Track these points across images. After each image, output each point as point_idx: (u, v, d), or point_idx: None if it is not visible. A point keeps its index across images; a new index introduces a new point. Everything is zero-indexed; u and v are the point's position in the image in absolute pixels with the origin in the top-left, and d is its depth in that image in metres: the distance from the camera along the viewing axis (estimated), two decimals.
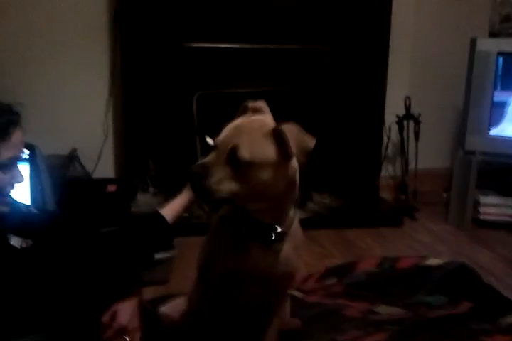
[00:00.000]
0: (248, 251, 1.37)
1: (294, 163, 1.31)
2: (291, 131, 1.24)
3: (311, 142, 1.27)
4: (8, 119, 1.28)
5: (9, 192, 1.35)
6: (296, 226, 1.44)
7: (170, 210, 1.54)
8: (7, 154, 1.28)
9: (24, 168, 2.55)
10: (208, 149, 1.33)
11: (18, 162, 1.35)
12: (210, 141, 1.55)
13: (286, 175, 1.29)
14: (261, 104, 1.36)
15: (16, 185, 1.36)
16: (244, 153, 1.22)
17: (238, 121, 1.32)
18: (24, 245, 1.33)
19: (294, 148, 1.22)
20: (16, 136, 1.29)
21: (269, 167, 1.24)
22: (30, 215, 1.48)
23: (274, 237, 1.36)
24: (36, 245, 1.36)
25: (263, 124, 1.29)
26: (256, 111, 1.35)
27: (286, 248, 1.40)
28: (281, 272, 1.41)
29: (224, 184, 1.22)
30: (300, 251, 1.47)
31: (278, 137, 1.24)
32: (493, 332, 1.86)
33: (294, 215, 1.41)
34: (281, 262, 1.40)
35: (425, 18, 3.54)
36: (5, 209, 1.34)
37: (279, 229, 1.36)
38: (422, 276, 2.20)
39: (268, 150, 1.24)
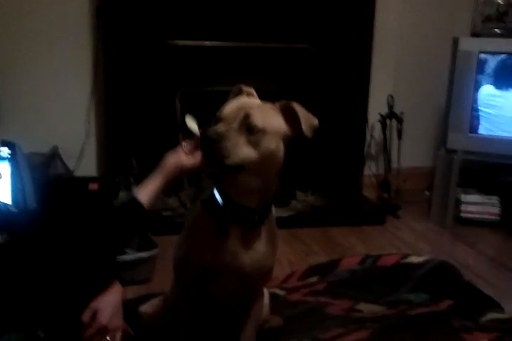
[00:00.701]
0: (228, 236, 1.37)
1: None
2: (298, 107, 1.32)
3: (315, 119, 1.34)
4: None
5: None
6: (272, 220, 1.45)
7: (146, 194, 1.46)
8: None
9: (4, 166, 2.55)
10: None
11: None
12: (191, 124, 1.55)
13: (285, 151, 1.34)
14: (252, 90, 1.42)
15: None
16: (258, 120, 1.27)
17: (239, 99, 1.37)
18: (0, 240, 1.31)
19: (304, 124, 1.30)
20: None
21: (279, 138, 1.31)
22: (9, 214, 1.46)
23: (256, 218, 1.37)
24: (12, 241, 1.33)
25: (265, 103, 1.36)
26: (249, 95, 1.42)
27: (263, 237, 1.41)
28: (257, 263, 1.41)
29: (240, 149, 1.26)
30: (276, 247, 1.47)
31: (287, 112, 1.32)
32: (474, 329, 1.88)
33: (271, 206, 1.43)
34: (258, 252, 1.40)
35: (408, 17, 3.56)
36: None
37: (260, 211, 1.38)
38: (403, 274, 2.21)
39: (279, 122, 1.32)
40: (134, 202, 1.44)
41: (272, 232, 1.44)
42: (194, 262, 1.41)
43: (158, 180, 1.48)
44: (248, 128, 1.26)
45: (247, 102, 1.35)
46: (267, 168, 1.32)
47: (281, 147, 1.32)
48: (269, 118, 1.30)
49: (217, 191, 1.38)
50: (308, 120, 1.32)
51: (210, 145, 1.24)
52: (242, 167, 1.27)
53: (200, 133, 1.31)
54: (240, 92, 1.42)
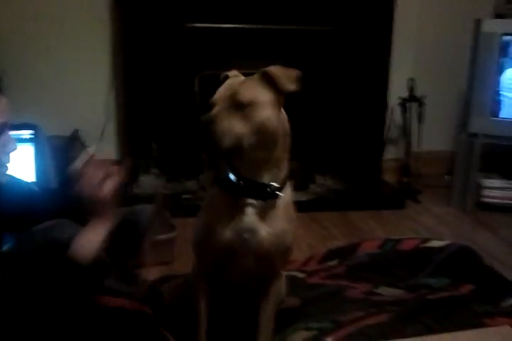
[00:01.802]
0: (244, 212, 1.39)
1: (284, 114, 1.40)
2: (275, 68, 1.35)
3: (295, 71, 1.36)
4: None
5: (5, 162, 1.31)
6: (289, 198, 1.45)
7: (87, 246, 1.33)
8: None
9: (28, 148, 2.58)
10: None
11: (8, 129, 1.31)
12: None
13: (282, 117, 1.38)
14: (236, 72, 1.44)
15: (11, 156, 1.32)
16: (243, 95, 1.31)
17: (228, 81, 1.40)
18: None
19: (283, 81, 1.32)
20: (3, 101, 1.27)
21: (270, 105, 1.33)
22: (32, 192, 1.46)
23: (270, 191, 1.38)
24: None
25: (250, 77, 1.39)
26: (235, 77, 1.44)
27: (280, 214, 1.42)
28: (275, 239, 1.42)
29: (233, 127, 1.29)
30: (294, 225, 1.47)
31: (267, 77, 1.34)
32: (495, 314, 1.87)
33: (288, 180, 1.44)
34: (275, 227, 1.41)
35: None
36: (2, 179, 1.31)
37: (275, 184, 1.39)
38: (424, 258, 2.20)
39: (264, 90, 1.34)
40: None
41: (289, 210, 1.45)
42: (212, 240, 1.42)
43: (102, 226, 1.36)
44: (236, 105, 1.30)
45: (231, 83, 1.38)
46: (267, 139, 1.33)
47: (275, 113, 1.34)
48: (253, 89, 1.33)
49: (229, 168, 1.40)
50: (285, 76, 1.33)
51: (204, 129, 1.28)
52: (240, 146, 1.30)
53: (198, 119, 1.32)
54: (226, 78, 1.44)
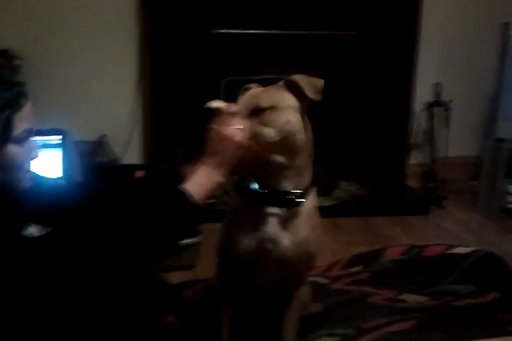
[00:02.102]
0: (266, 221, 1.40)
1: (307, 121, 1.40)
2: (299, 77, 1.37)
3: (319, 81, 1.38)
4: (18, 91, 1.25)
5: (28, 169, 1.30)
6: (313, 206, 1.45)
7: (197, 188, 1.28)
8: (22, 126, 1.24)
9: (56, 153, 2.62)
10: None
11: (32, 136, 1.30)
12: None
13: (305, 123, 1.38)
14: (257, 85, 1.46)
15: (32, 163, 1.31)
16: (264, 101, 1.34)
17: (249, 91, 1.42)
18: (43, 233, 1.27)
19: (307, 89, 1.34)
20: (28, 108, 1.27)
21: (293, 111, 1.36)
22: (57, 187, 1.45)
23: (293, 198, 1.39)
24: (54, 232, 1.29)
25: (272, 85, 1.41)
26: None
27: (304, 222, 1.42)
28: (299, 248, 1.41)
29: (253, 128, 1.32)
30: (318, 232, 1.47)
31: (291, 86, 1.37)
32: None
33: (311, 187, 1.44)
34: (298, 236, 1.41)
35: (456, 2, 3.48)
36: (27, 185, 1.30)
37: (297, 191, 1.39)
38: (449, 264, 2.18)
39: (286, 96, 1.37)
40: (181, 194, 1.27)
41: (312, 218, 1.45)
42: (235, 250, 1.43)
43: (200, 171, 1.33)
44: (257, 111, 1.33)
45: (253, 92, 1.41)
46: (289, 143, 1.35)
47: (298, 120, 1.36)
48: (274, 95, 1.36)
49: (252, 176, 1.41)
50: (311, 85, 1.35)
51: None
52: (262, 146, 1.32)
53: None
54: (247, 90, 1.46)
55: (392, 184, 3.38)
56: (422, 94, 3.40)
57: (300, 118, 1.36)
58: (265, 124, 1.32)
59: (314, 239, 1.45)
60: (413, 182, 3.49)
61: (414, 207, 3.20)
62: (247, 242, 1.40)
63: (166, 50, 3.12)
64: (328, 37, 3.24)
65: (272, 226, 1.40)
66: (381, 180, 3.35)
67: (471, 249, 2.26)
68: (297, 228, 1.41)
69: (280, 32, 3.17)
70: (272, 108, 1.33)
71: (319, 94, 1.35)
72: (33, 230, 1.27)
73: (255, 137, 1.32)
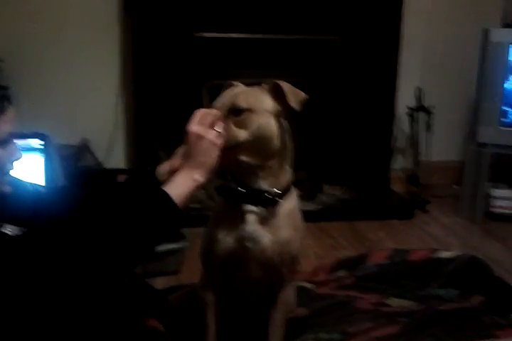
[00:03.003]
0: (246, 220, 1.40)
1: (285, 124, 1.42)
2: (285, 84, 1.37)
3: (303, 93, 1.38)
4: (2, 94, 1.25)
5: (9, 170, 1.30)
6: (294, 206, 1.46)
7: (178, 189, 1.28)
8: (5, 129, 1.25)
9: (37, 157, 2.58)
10: None
11: (14, 138, 1.30)
12: None
13: (282, 129, 1.39)
14: (241, 84, 1.46)
15: (15, 165, 1.31)
16: (242, 102, 1.34)
17: (230, 89, 1.43)
18: (19, 233, 1.26)
19: (290, 97, 1.34)
20: (10, 111, 1.27)
21: (269, 115, 1.36)
22: (36, 193, 1.44)
23: (270, 196, 1.39)
24: (30, 232, 1.27)
25: (256, 86, 1.42)
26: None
27: (284, 222, 1.42)
28: (279, 248, 1.42)
29: (227, 129, 1.32)
30: (300, 234, 1.47)
31: (274, 90, 1.37)
32: (505, 326, 1.84)
33: (290, 185, 1.45)
34: (278, 235, 1.41)
35: (438, 8, 3.51)
36: (6, 188, 1.29)
37: (275, 190, 1.40)
38: (433, 269, 2.18)
39: (265, 100, 1.37)
40: (164, 195, 1.27)
41: (293, 219, 1.45)
42: (216, 249, 1.43)
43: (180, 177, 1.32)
44: (235, 111, 1.33)
45: (234, 90, 1.41)
46: (262, 146, 1.36)
47: (273, 123, 1.36)
48: (255, 98, 1.36)
49: (231, 176, 1.43)
50: (294, 94, 1.36)
51: None
52: (236, 148, 1.33)
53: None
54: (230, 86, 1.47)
55: (377, 188, 3.40)
56: (404, 99, 3.43)
57: (275, 124, 1.37)
58: (239, 126, 1.33)
59: (295, 240, 1.45)
60: (397, 187, 3.51)
61: (398, 211, 3.21)
62: (227, 240, 1.41)
63: (148, 54, 3.10)
64: (310, 42, 3.25)
65: (250, 225, 1.40)
66: (365, 184, 3.36)
67: (455, 253, 2.27)
68: (277, 228, 1.41)
69: (263, 36, 3.18)
70: (249, 110, 1.33)
71: (300, 105, 1.35)
72: (8, 230, 1.25)
73: (225, 137, 1.32)
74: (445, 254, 2.26)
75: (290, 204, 1.44)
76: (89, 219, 1.33)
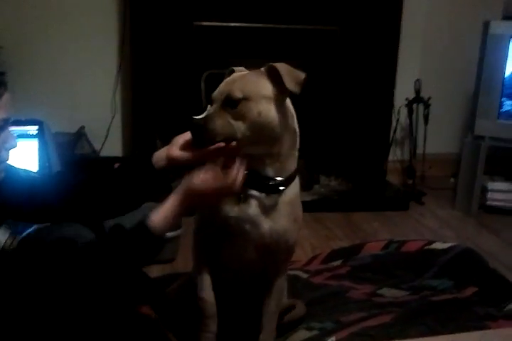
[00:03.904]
0: (248, 203, 1.38)
1: (291, 107, 1.38)
2: (282, 66, 1.31)
3: (302, 74, 1.32)
4: None
5: (5, 158, 1.28)
6: (295, 196, 1.44)
7: (161, 218, 1.30)
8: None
9: (33, 144, 2.58)
10: None
11: (9, 126, 1.28)
12: None
13: (284, 113, 1.34)
14: (243, 68, 1.41)
15: (11, 153, 1.29)
16: (237, 91, 1.28)
17: (230, 76, 1.38)
18: (8, 243, 1.26)
19: (288, 80, 1.28)
20: (5, 97, 1.24)
21: (266, 100, 1.30)
22: (29, 179, 1.42)
23: (274, 183, 1.37)
24: (21, 246, 1.28)
25: (253, 71, 1.36)
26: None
27: (284, 210, 1.41)
28: (277, 234, 1.41)
29: (225, 125, 1.28)
30: (298, 223, 1.46)
31: (271, 73, 1.31)
32: (498, 317, 1.86)
33: (295, 173, 1.42)
34: (277, 222, 1.40)
35: (438, 0, 3.49)
36: (0, 176, 1.28)
37: (279, 178, 1.38)
38: (427, 260, 2.20)
39: (262, 85, 1.32)
40: (143, 227, 1.29)
41: (294, 208, 1.44)
42: (216, 221, 1.41)
43: (175, 201, 1.32)
44: (230, 102, 1.28)
45: (232, 78, 1.35)
46: (264, 134, 1.31)
47: (273, 110, 1.31)
48: (251, 84, 1.31)
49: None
50: (292, 76, 1.30)
51: (197, 129, 1.28)
52: (234, 141, 1.29)
53: (188, 120, 1.32)
54: (232, 73, 1.41)
55: (373, 180, 3.40)
56: (402, 91, 3.41)
57: (275, 109, 1.31)
58: (237, 118, 1.28)
59: (293, 229, 1.45)
60: (393, 178, 3.51)
61: (393, 203, 3.22)
62: (228, 216, 1.39)
63: (147, 42, 3.08)
64: (310, 31, 3.23)
65: (252, 208, 1.39)
66: (361, 175, 3.36)
67: (450, 244, 2.29)
68: (278, 216, 1.41)
69: (262, 25, 3.16)
70: (245, 99, 1.28)
71: (299, 86, 1.30)
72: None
73: (228, 132, 1.28)
74: (439, 245, 2.28)
75: (293, 193, 1.43)
76: (80, 210, 1.35)
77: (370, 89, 3.36)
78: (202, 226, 1.48)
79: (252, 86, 1.31)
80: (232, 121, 1.28)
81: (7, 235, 1.26)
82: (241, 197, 1.38)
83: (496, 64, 3.04)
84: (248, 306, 1.58)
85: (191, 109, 3.11)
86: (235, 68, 1.41)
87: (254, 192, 1.38)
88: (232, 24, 3.12)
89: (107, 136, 3.20)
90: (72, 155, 2.95)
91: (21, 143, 2.49)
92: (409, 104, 3.40)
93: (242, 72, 1.38)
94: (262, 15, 3.14)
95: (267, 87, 1.32)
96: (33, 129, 2.55)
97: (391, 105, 3.43)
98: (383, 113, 3.43)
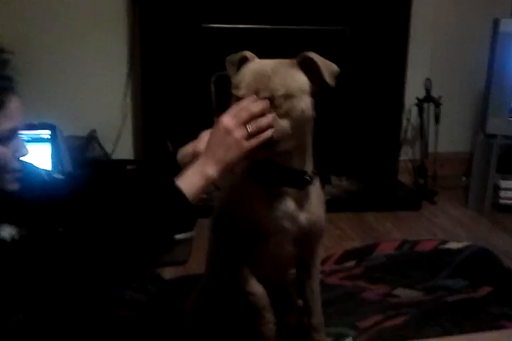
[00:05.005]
0: (282, 199, 1.34)
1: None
2: (317, 57, 1.25)
3: (334, 65, 1.27)
4: (2, 86, 1.15)
5: (15, 168, 1.22)
6: (318, 183, 1.42)
7: (188, 183, 1.20)
8: (6, 125, 1.15)
9: (45, 148, 2.59)
10: None
11: (19, 133, 1.22)
12: None
13: (314, 104, 1.27)
14: (251, 53, 1.34)
15: (22, 159, 1.24)
16: (279, 86, 1.20)
17: (250, 68, 1.28)
18: (16, 237, 1.20)
19: (326, 73, 1.23)
20: (13, 104, 1.17)
21: (306, 95, 1.24)
22: (50, 183, 1.39)
23: (307, 178, 1.34)
24: (30, 235, 1.22)
25: (280, 61, 1.27)
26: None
27: (314, 199, 1.39)
28: (313, 224, 1.40)
29: (277, 126, 1.20)
30: (324, 209, 1.45)
31: (306, 64, 1.24)
32: None
33: (313, 164, 1.39)
34: (312, 212, 1.39)
35: None
36: (13, 186, 1.22)
37: (309, 171, 1.35)
38: (441, 259, 2.19)
39: (300, 79, 1.24)
40: (175, 189, 1.20)
41: (320, 194, 1.43)
42: (247, 221, 1.37)
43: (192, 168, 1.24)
44: (272, 99, 1.21)
45: (261, 71, 1.24)
46: (301, 130, 1.27)
47: (309, 103, 1.25)
48: (289, 79, 1.23)
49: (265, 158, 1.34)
50: (328, 68, 1.24)
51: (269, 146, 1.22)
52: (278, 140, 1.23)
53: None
54: (244, 60, 1.32)
55: (384, 179, 3.38)
56: (412, 90, 3.40)
57: (311, 101, 1.25)
58: (280, 116, 1.20)
59: (324, 216, 1.44)
60: (404, 178, 3.49)
61: (405, 203, 3.20)
62: (261, 217, 1.35)
63: (156, 45, 3.09)
64: (319, 32, 3.22)
65: (288, 205, 1.35)
66: (373, 175, 3.35)
67: (464, 244, 2.27)
68: (310, 206, 1.38)
69: (271, 27, 3.16)
70: (287, 96, 1.20)
71: (335, 79, 1.24)
72: (5, 232, 1.20)
73: (278, 133, 1.21)
74: (454, 245, 2.27)
75: (317, 182, 1.41)
76: (102, 212, 1.29)
77: (380, 88, 3.35)
78: (231, 229, 1.42)
79: (292, 81, 1.23)
80: (279, 120, 1.21)
81: (14, 230, 1.23)
82: (275, 195, 1.34)
83: (507, 61, 3.03)
84: (281, 296, 1.57)
85: (202, 111, 3.14)
86: (245, 54, 1.33)
87: (289, 189, 1.34)
88: (241, 26, 3.12)
89: (118, 139, 3.21)
90: (84, 158, 2.97)
91: (34, 147, 2.53)
92: (420, 104, 3.38)
93: (267, 64, 1.27)
94: (269, 16, 3.14)
95: (304, 81, 1.25)
96: (45, 133, 2.57)
97: (401, 104, 3.41)
98: (394, 112, 3.42)
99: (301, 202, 1.37)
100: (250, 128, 1.19)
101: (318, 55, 1.25)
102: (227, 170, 1.23)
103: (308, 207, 1.38)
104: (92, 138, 3.08)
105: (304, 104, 1.23)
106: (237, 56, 1.33)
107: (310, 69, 1.24)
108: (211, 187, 1.24)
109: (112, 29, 3.17)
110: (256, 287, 1.43)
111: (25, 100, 1.23)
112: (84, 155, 2.99)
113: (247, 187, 1.37)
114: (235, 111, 1.20)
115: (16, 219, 1.24)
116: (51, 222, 1.29)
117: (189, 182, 1.20)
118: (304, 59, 1.25)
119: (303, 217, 1.38)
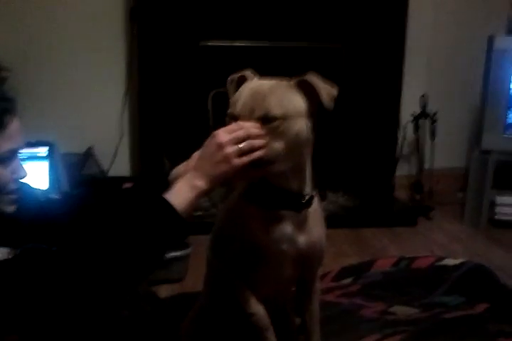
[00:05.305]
0: (280, 222, 1.33)
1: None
2: (315, 79, 1.24)
3: (334, 88, 1.26)
4: (2, 108, 1.14)
5: (13, 189, 1.21)
6: (317, 202, 1.40)
7: (177, 196, 1.19)
8: (5, 146, 1.15)
9: (43, 165, 2.60)
10: None
11: (18, 155, 1.22)
12: None
13: (312, 126, 1.27)
14: (251, 72, 1.34)
15: (20, 181, 1.23)
16: (276, 108, 1.20)
17: (248, 87, 1.28)
18: (7, 256, 1.18)
19: (324, 94, 1.22)
20: (13, 126, 1.15)
21: (303, 117, 1.24)
22: (46, 204, 1.39)
23: (304, 201, 1.33)
24: (23, 255, 1.21)
25: (278, 82, 1.27)
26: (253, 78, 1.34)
27: (314, 219, 1.38)
28: (313, 246, 1.38)
29: (270, 145, 1.20)
30: (325, 228, 1.43)
31: (305, 86, 1.24)
32: (511, 334, 1.84)
33: (312, 185, 1.37)
34: (312, 234, 1.37)
35: (443, 15, 3.51)
36: (9, 209, 1.22)
37: (307, 192, 1.33)
38: (438, 276, 2.19)
39: (297, 101, 1.24)
40: (164, 203, 1.19)
41: (320, 214, 1.42)
42: (245, 243, 1.35)
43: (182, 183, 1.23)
44: (268, 119, 1.20)
45: (258, 90, 1.24)
46: (297, 152, 1.26)
47: (305, 125, 1.24)
48: (287, 100, 1.22)
49: (261, 180, 1.33)
50: (327, 91, 1.23)
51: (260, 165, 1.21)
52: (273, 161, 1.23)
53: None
54: (243, 80, 1.32)
55: (380, 195, 3.39)
56: (408, 106, 3.42)
57: (308, 123, 1.25)
58: (274, 137, 1.20)
59: (323, 236, 1.43)
60: (400, 194, 3.50)
61: (402, 219, 3.21)
62: (260, 239, 1.33)
63: (153, 63, 3.11)
64: (314, 49, 3.25)
65: (287, 228, 1.34)
66: (369, 191, 3.36)
67: (460, 260, 2.27)
68: (309, 227, 1.36)
69: (267, 44, 3.19)
70: (284, 117, 1.19)
71: (333, 103, 1.23)
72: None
73: (272, 154, 1.20)
74: (451, 262, 2.26)
75: (316, 202, 1.40)
76: (95, 233, 1.24)
77: (375, 105, 3.37)
78: (230, 250, 1.41)
79: (289, 102, 1.22)
80: (273, 140, 1.20)
81: (6, 251, 1.22)
82: (272, 218, 1.34)
83: (502, 78, 3.06)
84: (280, 318, 1.56)
85: (199, 129, 3.15)
86: (243, 73, 1.33)
87: (287, 212, 1.33)
88: (237, 43, 3.15)
89: (115, 157, 3.22)
90: (80, 175, 2.97)
91: (32, 164, 2.53)
92: (416, 120, 3.40)
93: (265, 83, 1.27)
94: (266, 33, 3.17)
95: (301, 103, 1.25)
96: (42, 151, 2.58)
97: (397, 121, 3.43)
98: (389, 129, 3.44)
99: (299, 224, 1.35)
100: (242, 145, 1.19)
101: (317, 77, 1.24)
102: (217, 184, 1.22)
103: (308, 229, 1.37)
104: (89, 155, 3.08)
105: (299, 126, 1.23)
106: (236, 75, 1.34)
107: (309, 91, 1.24)
108: (206, 203, 1.23)
109: (110, 47, 3.19)
110: (257, 307, 1.42)
111: (21, 117, 1.23)
112: (81, 172, 2.99)
113: (244, 209, 1.37)
114: (233, 128, 1.21)
115: (10, 241, 1.24)
116: (46, 242, 1.29)
117: (178, 194, 1.19)
118: (302, 81, 1.25)
119: (302, 239, 1.36)
